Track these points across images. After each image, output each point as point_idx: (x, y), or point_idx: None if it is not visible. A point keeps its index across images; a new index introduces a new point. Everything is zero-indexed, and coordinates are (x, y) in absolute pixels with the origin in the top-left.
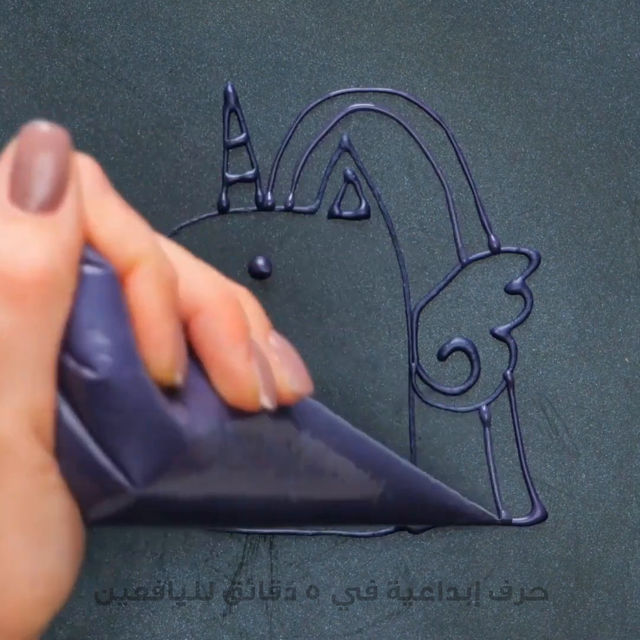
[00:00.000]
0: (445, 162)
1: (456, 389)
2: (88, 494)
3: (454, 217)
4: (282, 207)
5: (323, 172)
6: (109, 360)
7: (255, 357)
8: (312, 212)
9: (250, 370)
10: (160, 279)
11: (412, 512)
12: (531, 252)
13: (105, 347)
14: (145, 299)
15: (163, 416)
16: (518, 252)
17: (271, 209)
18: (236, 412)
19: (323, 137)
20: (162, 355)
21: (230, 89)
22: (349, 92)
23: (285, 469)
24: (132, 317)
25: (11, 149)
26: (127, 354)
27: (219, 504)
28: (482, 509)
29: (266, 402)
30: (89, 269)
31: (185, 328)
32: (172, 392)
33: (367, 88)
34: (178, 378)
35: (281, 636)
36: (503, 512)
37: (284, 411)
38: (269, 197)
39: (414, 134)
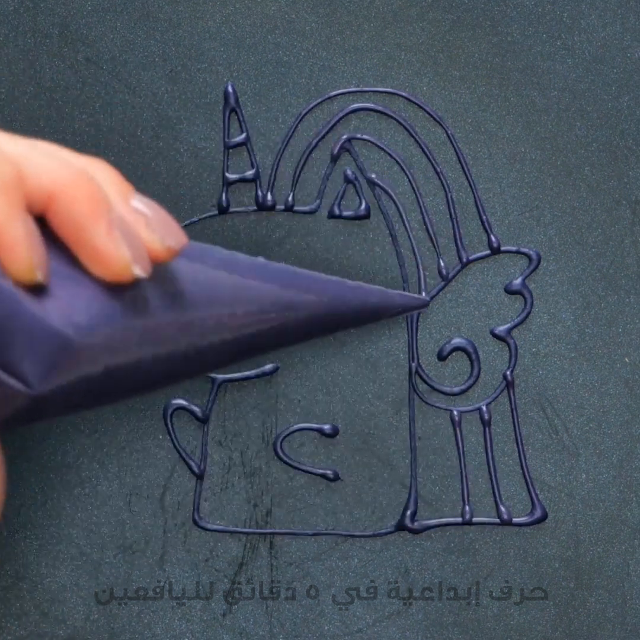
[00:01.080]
0: (445, 162)
1: (456, 389)
2: None
3: (454, 217)
4: (282, 207)
5: (323, 172)
6: None
7: (118, 229)
8: (312, 212)
9: (115, 244)
10: (0, 181)
11: (332, 318)
12: (531, 252)
13: None
14: None
15: (36, 317)
16: (518, 252)
17: (271, 209)
18: (116, 288)
19: (323, 137)
20: (17, 257)
21: (230, 89)
22: (349, 92)
23: (185, 325)
24: None
25: None
26: None
27: (125, 376)
28: (409, 294)
29: (138, 271)
30: None
31: (43, 218)
32: (41, 289)
33: (367, 88)
34: (39, 276)
35: (281, 636)
36: (503, 512)
37: (167, 268)
38: (269, 197)
39: (414, 134)
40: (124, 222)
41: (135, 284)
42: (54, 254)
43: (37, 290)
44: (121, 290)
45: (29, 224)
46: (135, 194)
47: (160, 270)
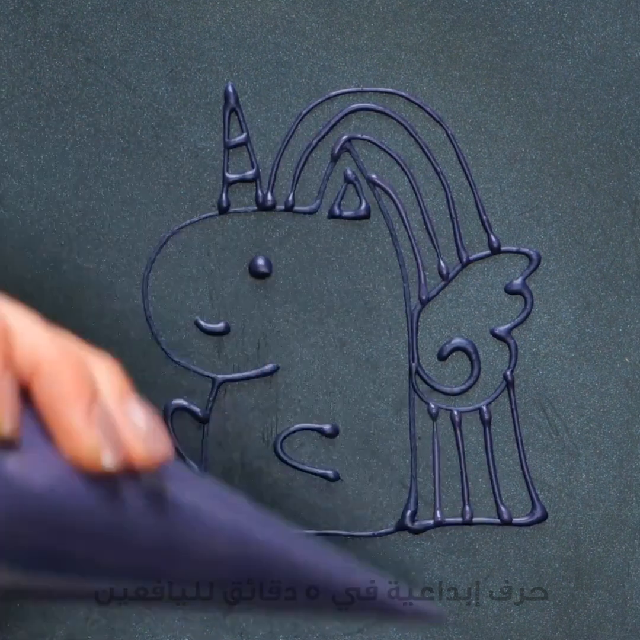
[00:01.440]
0: (445, 162)
1: (456, 389)
2: None
3: (454, 217)
4: (282, 207)
5: (323, 172)
6: None
7: (97, 415)
8: (312, 212)
9: (89, 428)
10: None
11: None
12: (531, 252)
13: None
14: None
15: None
16: (518, 252)
17: (271, 209)
18: (90, 474)
19: (323, 137)
20: None
21: (230, 89)
22: (349, 92)
23: (144, 534)
24: None
25: None
26: None
27: (75, 560)
28: (424, 604)
29: (108, 461)
30: None
31: (27, 390)
32: (8, 445)
33: (367, 88)
34: (6, 429)
35: (281, 636)
36: (503, 512)
37: (144, 477)
38: (269, 197)
39: (414, 134)
40: (106, 413)
41: (114, 480)
42: (33, 420)
43: (5, 444)
44: (94, 479)
45: (6, 380)
46: (134, 398)
47: (150, 484)
